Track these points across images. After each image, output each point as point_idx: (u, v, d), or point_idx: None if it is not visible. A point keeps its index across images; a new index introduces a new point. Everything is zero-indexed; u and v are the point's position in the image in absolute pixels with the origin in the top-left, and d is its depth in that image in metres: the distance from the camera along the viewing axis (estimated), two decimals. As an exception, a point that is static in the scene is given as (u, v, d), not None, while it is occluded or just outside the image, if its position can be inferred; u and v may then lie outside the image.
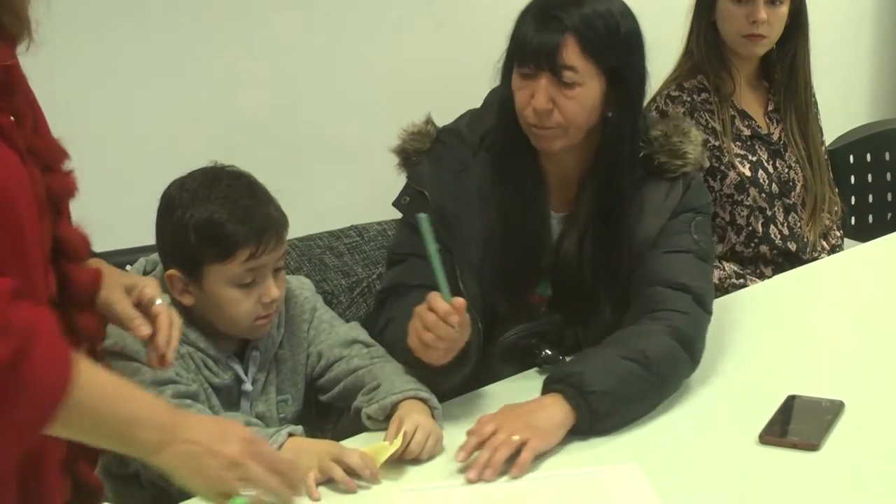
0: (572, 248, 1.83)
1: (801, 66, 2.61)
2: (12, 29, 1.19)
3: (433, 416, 1.65)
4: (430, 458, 1.62)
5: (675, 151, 1.83)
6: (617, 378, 1.63)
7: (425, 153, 1.85)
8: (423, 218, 1.57)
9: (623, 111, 1.76)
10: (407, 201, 1.83)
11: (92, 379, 1.18)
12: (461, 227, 1.80)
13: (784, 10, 2.51)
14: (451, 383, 1.70)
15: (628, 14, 1.75)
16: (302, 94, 2.94)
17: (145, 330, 1.43)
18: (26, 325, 1.10)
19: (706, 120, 2.51)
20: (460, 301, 1.56)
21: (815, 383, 1.79)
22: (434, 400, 1.68)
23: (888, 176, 3.19)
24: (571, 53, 1.68)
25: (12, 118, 1.17)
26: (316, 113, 2.89)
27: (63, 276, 1.27)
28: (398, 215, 1.92)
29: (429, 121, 1.89)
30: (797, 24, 2.57)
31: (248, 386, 1.81)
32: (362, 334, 1.81)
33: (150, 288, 1.47)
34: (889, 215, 3.12)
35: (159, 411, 1.26)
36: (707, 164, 2.26)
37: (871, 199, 3.16)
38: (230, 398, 1.76)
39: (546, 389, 1.68)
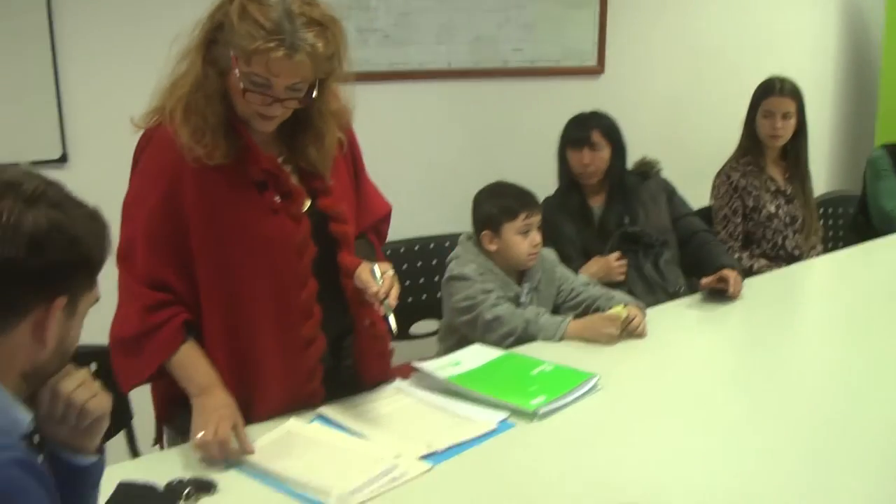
0: None
1: (803, 153, 4.06)
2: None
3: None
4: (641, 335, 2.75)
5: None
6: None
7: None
8: None
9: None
10: None
11: (178, 361, 2.04)
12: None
13: (793, 121, 3.98)
14: None
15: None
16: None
17: (374, 287, 2.08)
18: (157, 324, 2.01)
19: (751, 181, 3.97)
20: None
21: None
22: (644, 310, 2.88)
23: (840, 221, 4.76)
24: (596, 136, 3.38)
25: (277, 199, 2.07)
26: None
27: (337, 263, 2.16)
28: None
29: None
30: (800, 128, 4.03)
31: (523, 299, 2.90)
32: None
33: (384, 266, 2.13)
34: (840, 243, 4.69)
35: (196, 382, 2.04)
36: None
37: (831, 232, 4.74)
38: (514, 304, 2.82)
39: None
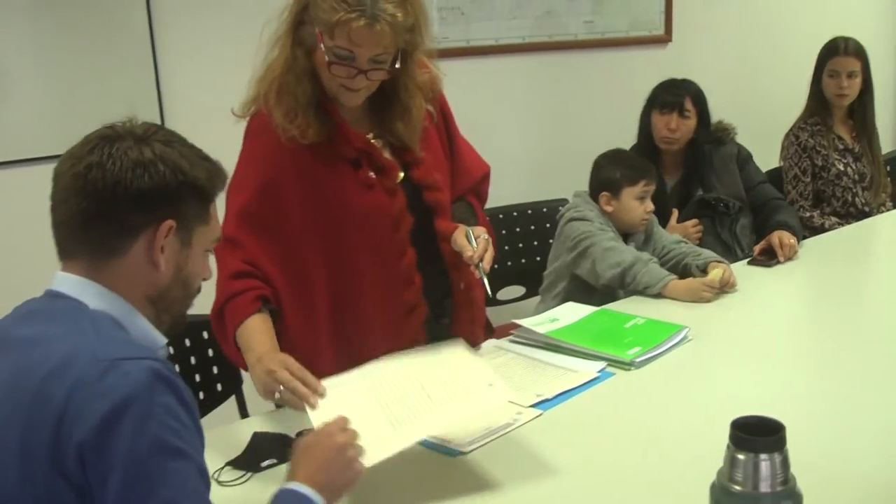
0: None
1: (870, 111, 4.15)
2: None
3: None
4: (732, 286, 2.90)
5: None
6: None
7: None
8: None
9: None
10: None
11: (244, 328, 2.07)
12: None
13: (858, 80, 4.07)
14: None
15: None
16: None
17: (469, 251, 2.17)
18: (236, 292, 2.08)
19: (819, 140, 4.06)
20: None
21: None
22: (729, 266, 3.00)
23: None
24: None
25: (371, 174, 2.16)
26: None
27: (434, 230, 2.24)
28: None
29: None
30: (867, 87, 4.11)
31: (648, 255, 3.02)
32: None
33: (478, 230, 2.24)
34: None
35: (256, 351, 2.01)
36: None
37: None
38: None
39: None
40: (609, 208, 3.14)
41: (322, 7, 2.00)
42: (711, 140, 3.66)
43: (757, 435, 1.20)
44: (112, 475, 1.25)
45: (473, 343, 2.39)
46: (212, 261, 1.69)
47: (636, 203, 3.12)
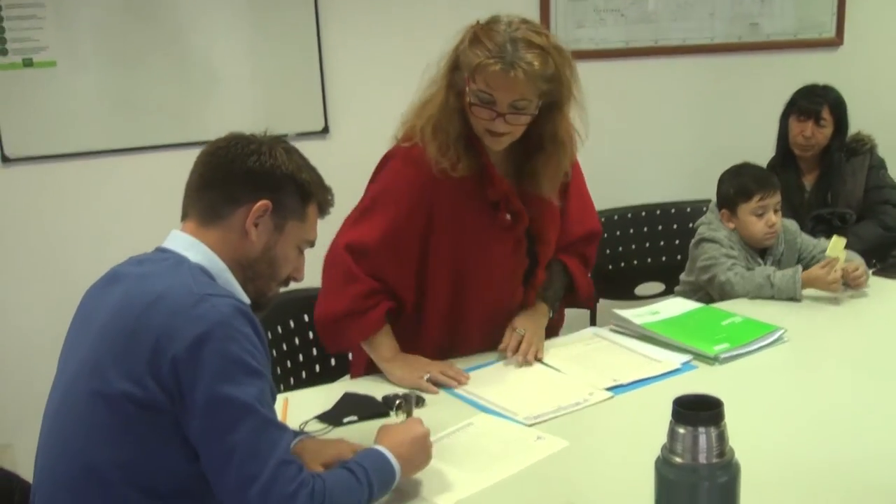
0: None
1: None
2: None
3: None
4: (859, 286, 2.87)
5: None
6: None
7: None
8: None
9: None
10: None
11: (375, 337, 2.37)
12: None
13: None
14: None
15: None
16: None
17: (503, 344, 2.50)
18: (368, 307, 2.33)
19: None
20: None
21: None
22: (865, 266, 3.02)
23: None
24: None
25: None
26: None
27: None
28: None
29: None
30: None
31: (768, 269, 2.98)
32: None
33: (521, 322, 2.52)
34: None
35: (384, 355, 2.39)
36: None
37: None
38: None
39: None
40: (730, 225, 3.13)
41: (469, 54, 2.20)
42: (846, 150, 3.61)
43: (697, 410, 1.27)
44: (200, 382, 1.51)
45: None
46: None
47: (754, 219, 3.06)
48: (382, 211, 2.36)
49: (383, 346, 2.39)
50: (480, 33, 2.20)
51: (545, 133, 2.32)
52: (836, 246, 2.90)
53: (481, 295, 2.46)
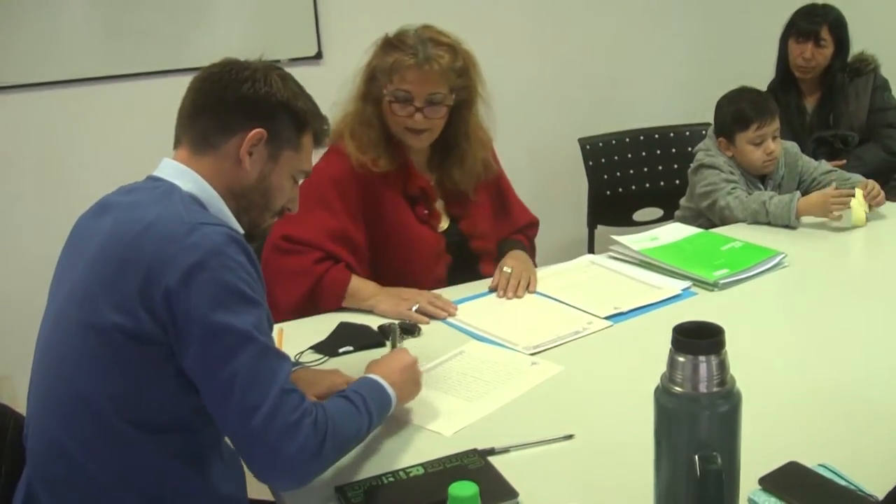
0: None
1: None
2: None
3: None
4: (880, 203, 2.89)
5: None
6: None
7: None
8: None
9: None
10: None
11: (349, 288, 2.36)
12: None
13: None
14: None
15: None
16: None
17: (493, 282, 2.49)
18: (321, 273, 2.34)
19: None
20: None
21: None
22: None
23: None
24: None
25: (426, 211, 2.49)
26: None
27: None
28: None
29: None
30: None
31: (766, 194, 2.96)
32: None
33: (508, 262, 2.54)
34: None
35: (367, 291, 2.38)
36: None
37: None
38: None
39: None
40: (728, 153, 3.07)
41: (384, 58, 2.38)
42: (848, 70, 3.54)
43: (697, 338, 1.24)
44: (196, 312, 1.47)
45: None
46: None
47: (752, 147, 3.00)
48: (311, 207, 2.35)
49: (361, 290, 2.39)
50: (392, 40, 2.39)
51: (459, 131, 2.49)
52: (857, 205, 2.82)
53: (403, 269, 2.51)
